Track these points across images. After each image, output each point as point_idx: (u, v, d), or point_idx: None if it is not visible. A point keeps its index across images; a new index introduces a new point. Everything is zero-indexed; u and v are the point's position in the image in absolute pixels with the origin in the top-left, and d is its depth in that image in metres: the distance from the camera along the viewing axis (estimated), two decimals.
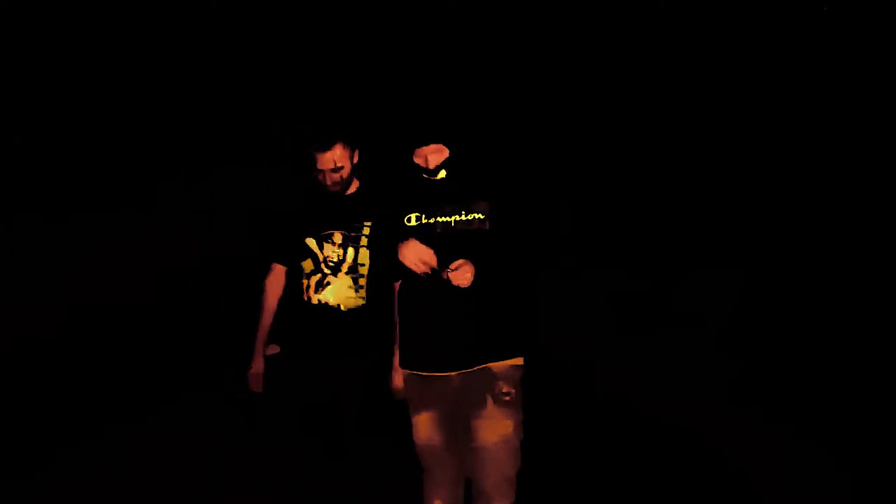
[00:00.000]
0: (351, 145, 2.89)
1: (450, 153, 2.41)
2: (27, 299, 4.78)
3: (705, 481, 3.59)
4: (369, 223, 2.89)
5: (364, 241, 2.88)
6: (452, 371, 2.39)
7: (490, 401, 2.35)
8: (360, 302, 2.87)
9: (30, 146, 5.21)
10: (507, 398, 2.36)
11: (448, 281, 2.26)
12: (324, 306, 2.85)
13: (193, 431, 4.02)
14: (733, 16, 5.30)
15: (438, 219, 2.43)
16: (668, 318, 4.91)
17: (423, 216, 2.46)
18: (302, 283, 2.89)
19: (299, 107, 5.31)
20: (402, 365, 2.54)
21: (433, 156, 2.41)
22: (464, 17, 5.41)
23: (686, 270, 5.01)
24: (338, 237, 2.87)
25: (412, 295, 2.46)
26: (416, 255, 2.29)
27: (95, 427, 4.06)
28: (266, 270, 3.02)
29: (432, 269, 2.29)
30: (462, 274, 2.25)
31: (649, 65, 5.44)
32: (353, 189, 2.96)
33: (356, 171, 2.95)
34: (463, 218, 2.40)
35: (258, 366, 2.97)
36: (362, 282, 2.87)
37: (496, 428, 2.34)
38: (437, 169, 2.42)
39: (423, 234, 2.39)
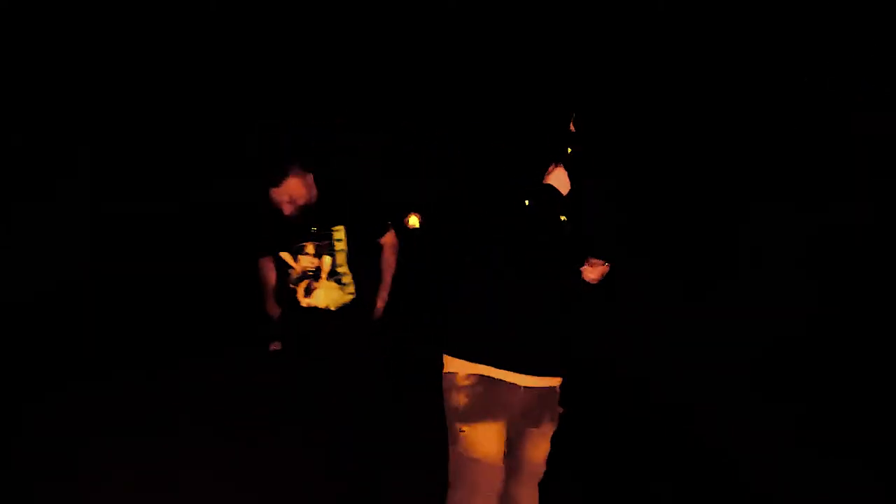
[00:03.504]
0: (304, 169, 2.91)
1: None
2: None
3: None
4: (339, 227, 2.93)
5: (339, 245, 2.92)
6: (533, 375, 2.20)
7: (548, 420, 2.28)
8: (349, 297, 2.94)
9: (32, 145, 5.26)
10: (558, 413, 2.32)
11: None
12: (314, 309, 2.91)
13: (195, 429, 4.01)
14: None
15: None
16: None
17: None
18: (291, 288, 2.94)
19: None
20: (465, 356, 2.21)
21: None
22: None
23: None
24: (310, 248, 2.91)
25: (496, 285, 2.22)
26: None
27: (97, 424, 4.03)
28: (256, 263, 3.05)
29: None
30: (600, 270, 2.21)
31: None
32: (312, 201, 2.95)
33: (318, 183, 2.95)
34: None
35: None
36: (346, 279, 2.93)
37: (545, 445, 2.30)
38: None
39: (540, 222, 2.22)
